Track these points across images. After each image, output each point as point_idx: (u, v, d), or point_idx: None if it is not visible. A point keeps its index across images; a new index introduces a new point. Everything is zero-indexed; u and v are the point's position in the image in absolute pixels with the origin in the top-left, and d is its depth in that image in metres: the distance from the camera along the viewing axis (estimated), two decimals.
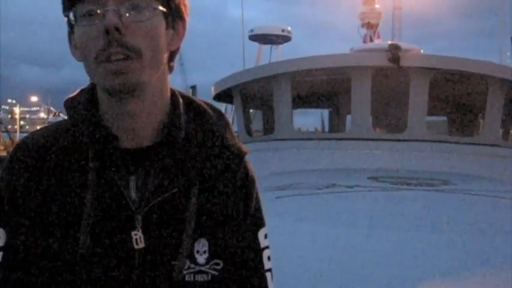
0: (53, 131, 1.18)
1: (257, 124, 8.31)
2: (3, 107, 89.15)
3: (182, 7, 1.17)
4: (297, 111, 7.99)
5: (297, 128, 7.49)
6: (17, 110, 74.84)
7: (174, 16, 1.15)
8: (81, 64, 1.12)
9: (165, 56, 1.15)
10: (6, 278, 1.11)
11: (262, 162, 6.19)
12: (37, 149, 1.14)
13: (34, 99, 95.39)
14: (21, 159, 1.14)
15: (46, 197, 1.10)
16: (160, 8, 1.10)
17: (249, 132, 7.67)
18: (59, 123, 1.21)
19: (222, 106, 8.46)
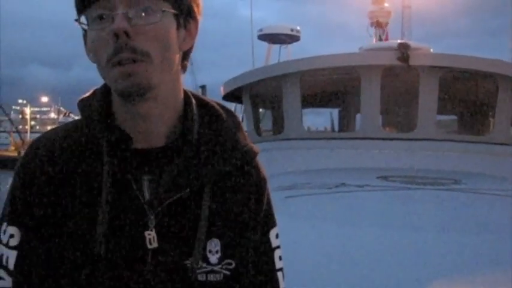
0: (66, 131, 1.19)
1: (267, 124, 8.30)
2: (14, 107, 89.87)
3: (194, 7, 1.17)
4: (308, 111, 7.98)
5: (307, 127, 7.49)
6: (27, 110, 75.28)
7: (186, 16, 1.15)
8: (90, 64, 1.13)
9: (177, 56, 1.15)
10: (20, 277, 1.12)
11: (272, 161, 6.18)
12: (51, 148, 1.15)
13: (44, 99, 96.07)
14: (35, 158, 1.15)
15: (61, 196, 1.11)
16: (170, 10, 1.10)
17: (258, 132, 7.67)
18: (72, 123, 1.22)
19: (231, 106, 8.46)
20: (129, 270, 1.09)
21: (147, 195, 1.12)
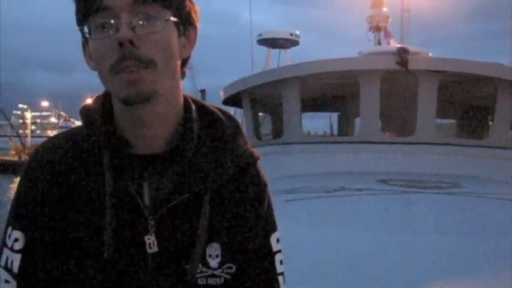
0: (69, 137, 1.21)
1: (267, 128, 8.31)
2: (14, 111, 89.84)
3: (193, 15, 1.19)
4: (307, 115, 8.00)
5: (306, 131, 7.50)
6: (28, 114, 75.13)
7: (186, 24, 1.17)
8: (91, 69, 1.14)
9: (178, 63, 1.17)
10: (24, 280, 1.14)
11: (271, 165, 6.18)
12: (54, 155, 1.17)
13: (45, 104, 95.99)
14: (39, 164, 1.17)
15: (63, 202, 1.13)
16: (172, 18, 1.12)
17: (258, 136, 7.68)
18: (75, 130, 1.24)
19: (231, 110, 8.45)
20: (130, 275, 1.11)
21: (147, 201, 1.13)
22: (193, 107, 1.23)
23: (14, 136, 59.16)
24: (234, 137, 1.24)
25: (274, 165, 6.22)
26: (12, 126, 62.31)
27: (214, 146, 1.20)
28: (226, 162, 1.19)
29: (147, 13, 1.08)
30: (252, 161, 1.25)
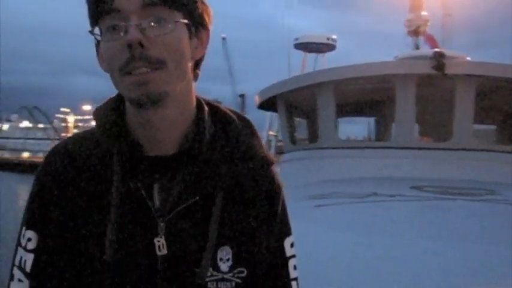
0: (82, 139, 1.22)
1: (302, 132, 8.30)
2: (57, 115, 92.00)
3: (205, 16, 1.18)
4: (346, 120, 7.97)
5: (345, 136, 7.46)
6: (70, 118, 76.66)
7: (198, 25, 1.16)
8: None
9: (190, 65, 1.16)
10: (36, 279, 1.16)
11: (306, 170, 6.20)
12: (66, 157, 1.18)
13: (87, 108, 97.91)
14: (52, 166, 1.18)
15: (74, 203, 1.14)
16: (182, 20, 1.11)
17: (292, 141, 7.67)
18: (88, 132, 1.24)
19: (266, 115, 8.46)
20: (139, 277, 1.10)
21: (157, 203, 1.13)
22: (206, 109, 1.22)
23: (56, 139, 60.58)
24: (248, 140, 1.22)
25: (308, 170, 6.22)
26: (55, 129, 63.78)
27: (227, 148, 1.18)
28: (239, 165, 1.18)
29: (157, 15, 1.08)
30: (266, 163, 1.23)
